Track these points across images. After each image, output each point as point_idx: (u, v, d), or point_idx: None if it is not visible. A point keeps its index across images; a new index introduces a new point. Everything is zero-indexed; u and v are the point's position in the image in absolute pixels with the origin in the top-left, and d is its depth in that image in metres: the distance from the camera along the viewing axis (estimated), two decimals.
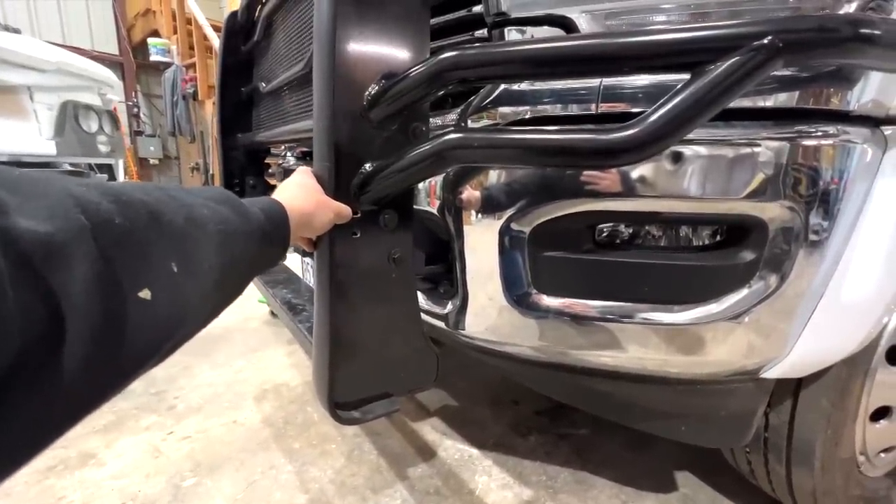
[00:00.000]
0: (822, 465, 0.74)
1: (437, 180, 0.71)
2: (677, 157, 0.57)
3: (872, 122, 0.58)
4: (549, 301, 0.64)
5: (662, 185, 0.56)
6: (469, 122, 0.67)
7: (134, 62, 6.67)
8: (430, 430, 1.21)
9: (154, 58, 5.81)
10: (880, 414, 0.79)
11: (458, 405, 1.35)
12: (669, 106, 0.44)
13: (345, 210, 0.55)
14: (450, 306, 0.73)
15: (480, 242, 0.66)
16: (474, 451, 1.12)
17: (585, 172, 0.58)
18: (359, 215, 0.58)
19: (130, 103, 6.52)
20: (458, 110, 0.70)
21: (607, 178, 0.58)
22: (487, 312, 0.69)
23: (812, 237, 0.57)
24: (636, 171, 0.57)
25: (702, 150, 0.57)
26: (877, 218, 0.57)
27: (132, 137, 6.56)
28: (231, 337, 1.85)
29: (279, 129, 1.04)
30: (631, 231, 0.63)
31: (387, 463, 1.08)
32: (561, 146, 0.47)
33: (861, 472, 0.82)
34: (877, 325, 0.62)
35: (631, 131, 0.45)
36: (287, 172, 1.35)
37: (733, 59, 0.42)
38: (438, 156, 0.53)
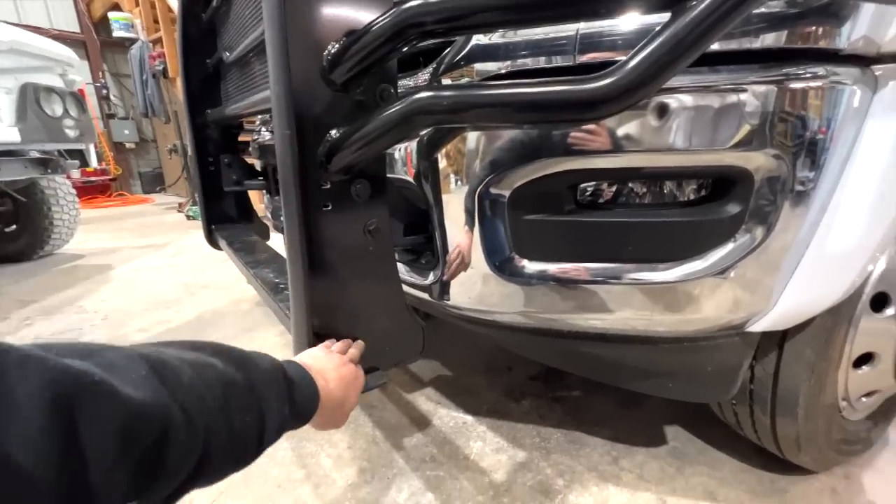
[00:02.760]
0: (805, 413, 0.76)
1: (411, 146, 0.68)
2: (660, 108, 0.54)
3: (863, 61, 0.55)
4: (532, 266, 0.63)
5: (645, 137, 0.54)
6: (442, 81, 0.63)
7: (97, 39, 6.32)
8: (425, 401, 1.22)
9: (117, 34, 5.50)
10: (863, 360, 0.80)
11: (451, 374, 1.36)
12: (649, 50, 0.41)
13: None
14: (432, 277, 0.71)
15: (460, 208, 0.64)
16: (469, 419, 1.14)
17: (564, 129, 0.55)
18: (328, 186, 0.55)
19: (98, 84, 6.23)
20: (430, 69, 0.66)
21: (586, 134, 0.55)
22: (471, 281, 0.67)
23: (799, 186, 0.55)
24: (616, 125, 0.54)
25: (686, 98, 0.54)
26: (864, 163, 0.55)
27: (104, 121, 6.30)
28: (222, 320, 1.84)
29: (246, 101, 0.99)
30: (614, 189, 0.61)
31: (382, 435, 1.09)
32: (537, 101, 0.44)
33: (843, 417, 0.85)
34: (862, 274, 0.62)
35: (610, 80, 0.42)
36: (263, 149, 1.30)
37: None
38: (408, 118, 0.50)
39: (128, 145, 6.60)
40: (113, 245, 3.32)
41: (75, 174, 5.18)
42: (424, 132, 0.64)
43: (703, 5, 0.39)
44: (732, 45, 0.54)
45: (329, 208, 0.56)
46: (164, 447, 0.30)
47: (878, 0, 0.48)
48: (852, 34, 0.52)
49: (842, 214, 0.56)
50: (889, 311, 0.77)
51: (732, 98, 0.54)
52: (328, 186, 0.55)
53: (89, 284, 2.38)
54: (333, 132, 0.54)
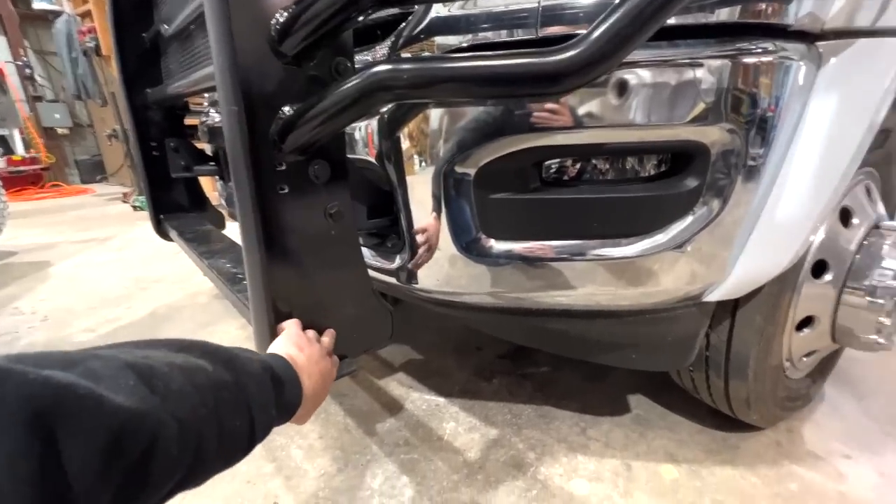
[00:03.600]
0: (754, 375, 0.81)
1: (372, 125, 0.65)
2: (621, 83, 0.54)
3: (809, 38, 0.57)
4: (500, 245, 0.62)
5: (605, 113, 0.54)
6: (402, 55, 0.60)
7: (14, 11, 5.67)
8: (397, 386, 1.22)
9: (38, 5, 4.96)
10: (804, 323, 0.86)
11: (422, 358, 1.36)
12: (610, 22, 0.40)
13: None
14: (399, 261, 0.69)
15: (425, 189, 0.62)
16: (441, 400, 1.14)
17: (527, 105, 0.54)
18: (284, 168, 0.52)
19: (20, 63, 5.62)
20: (389, 43, 0.62)
21: (549, 111, 0.54)
22: (438, 263, 0.66)
23: (751, 160, 0.57)
24: (577, 101, 0.54)
25: (646, 73, 0.54)
26: (809, 138, 0.58)
27: (30, 104, 5.72)
28: (179, 315, 1.74)
29: (190, 79, 0.91)
30: (577, 166, 0.61)
31: (355, 422, 1.08)
32: (498, 75, 0.43)
33: (787, 376, 0.91)
34: (805, 243, 0.66)
35: (572, 53, 0.41)
36: (213, 131, 1.21)
37: None
38: (365, 93, 0.47)
39: (60, 131, 6.03)
40: (50, 240, 3.06)
41: None
42: (385, 110, 0.61)
43: None
44: (689, 19, 0.55)
45: (286, 191, 0.53)
46: (152, 459, 0.29)
47: None
48: (799, 10, 0.54)
49: (789, 187, 0.59)
50: (827, 277, 0.83)
51: (689, 73, 0.54)
52: (283, 168, 0.52)
53: (25, 283, 2.19)
54: (286, 109, 0.51)
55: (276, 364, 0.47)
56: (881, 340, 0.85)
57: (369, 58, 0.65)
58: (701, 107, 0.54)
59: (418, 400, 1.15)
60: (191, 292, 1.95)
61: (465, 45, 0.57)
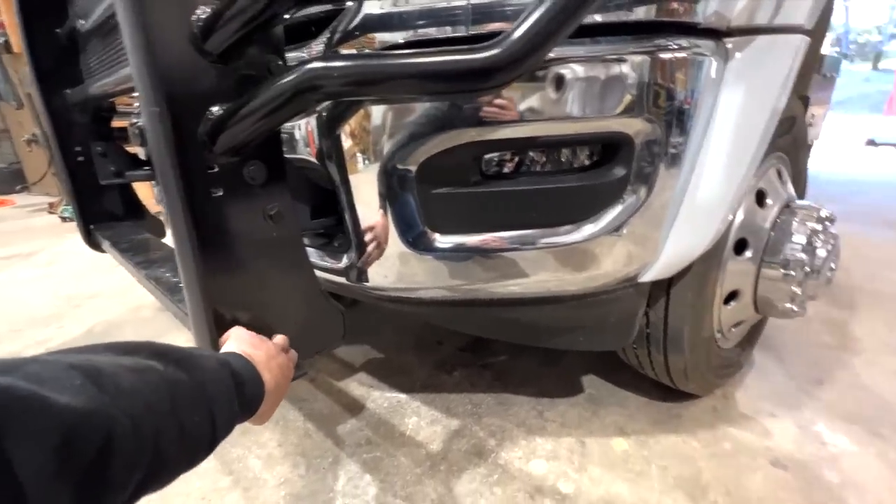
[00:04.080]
0: (689, 347, 0.88)
1: (312, 124, 0.64)
2: (551, 78, 0.57)
3: (717, 34, 0.62)
4: (445, 239, 0.64)
5: (538, 107, 0.56)
6: (337, 52, 0.59)
7: None
8: (357, 386, 1.21)
9: None
10: (731, 297, 0.94)
11: (383, 356, 1.35)
12: (533, 19, 0.42)
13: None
14: (346, 260, 0.69)
15: (367, 186, 0.62)
16: (403, 397, 1.15)
17: (464, 101, 0.55)
18: (216, 170, 0.50)
19: None
20: (324, 40, 0.62)
21: (486, 106, 0.56)
22: (386, 260, 0.66)
23: (672, 149, 0.62)
24: (511, 96, 0.56)
25: (574, 69, 0.57)
26: (721, 127, 0.63)
27: None
28: (119, 332, 1.63)
29: (113, 77, 0.85)
30: (515, 159, 0.63)
31: (315, 426, 1.06)
32: (424, 72, 0.43)
33: (719, 346, 0.99)
34: (724, 223, 0.72)
35: (495, 50, 0.42)
36: (144, 134, 1.14)
37: None
38: (295, 92, 0.47)
39: None
40: None
41: None
42: (322, 108, 0.60)
43: None
44: (611, 17, 0.58)
45: (220, 194, 0.51)
46: (110, 457, 0.28)
47: None
48: (707, 10, 0.59)
49: (706, 171, 0.65)
50: (748, 254, 0.91)
51: (613, 68, 0.58)
52: (216, 170, 0.50)
53: None
54: (215, 109, 0.49)
55: (233, 360, 0.46)
56: (795, 308, 0.95)
57: (306, 55, 0.64)
58: (624, 100, 0.58)
59: (380, 398, 1.15)
60: (132, 306, 1.83)
61: (401, 41, 0.57)
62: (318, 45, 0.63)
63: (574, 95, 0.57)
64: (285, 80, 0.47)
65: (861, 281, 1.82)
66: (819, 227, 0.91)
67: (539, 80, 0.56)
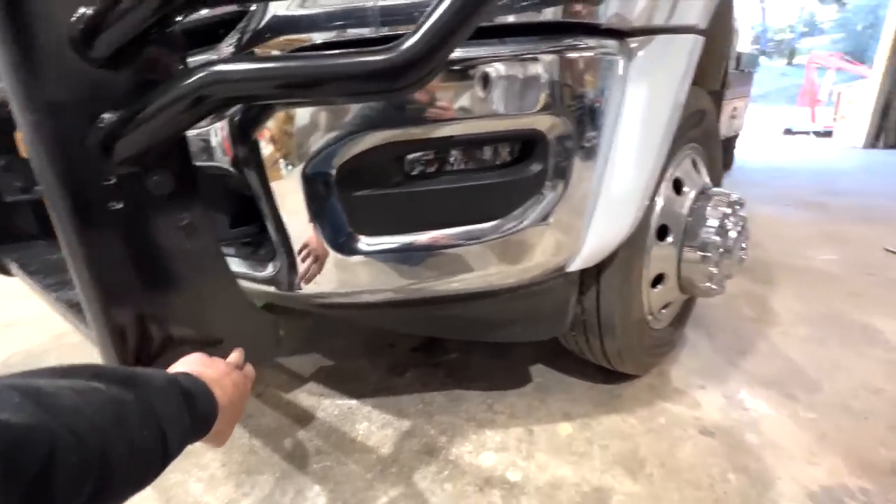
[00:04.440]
0: (622, 331, 0.93)
1: (226, 129, 0.61)
2: (467, 78, 0.58)
3: (620, 34, 0.66)
4: (372, 241, 0.63)
5: (454, 107, 0.57)
6: (243, 55, 0.57)
7: None
8: (307, 396, 1.18)
9: None
10: (658, 280, 1.00)
11: (333, 363, 1.33)
12: (435, 18, 0.43)
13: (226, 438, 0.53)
14: (271, 268, 0.67)
15: (288, 192, 0.61)
16: (354, 403, 1.13)
17: (382, 101, 0.56)
18: (112, 181, 0.47)
19: None
20: (233, 43, 0.60)
21: (402, 105, 0.56)
22: (313, 266, 0.65)
23: (585, 143, 0.65)
24: (428, 96, 0.56)
25: (487, 68, 0.59)
26: (628, 121, 0.67)
27: None
28: (40, 362, 1.49)
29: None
30: (437, 158, 0.64)
31: (261, 442, 1.02)
32: (327, 74, 0.43)
33: (651, 328, 1.05)
34: (641, 211, 0.76)
35: (398, 51, 0.43)
36: None
37: None
38: (196, 95, 0.45)
39: None
40: None
41: None
42: (235, 112, 0.58)
43: None
44: (522, 17, 0.60)
45: (119, 207, 0.48)
46: (54, 471, 0.28)
47: None
48: (608, 12, 0.62)
49: (618, 164, 0.68)
50: (669, 239, 0.97)
51: (526, 68, 0.60)
52: (113, 181, 0.47)
53: None
54: (107, 116, 0.46)
55: (182, 378, 0.45)
56: (715, 287, 1.02)
57: (216, 57, 0.62)
58: (537, 98, 0.60)
59: (330, 406, 1.13)
60: (56, 333, 1.68)
61: (313, 43, 0.56)
62: (228, 48, 0.60)
63: (489, 95, 0.59)
64: (184, 83, 0.45)
65: (778, 257, 1.99)
66: (730, 210, 0.99)
67: (455, 80, 0.58)
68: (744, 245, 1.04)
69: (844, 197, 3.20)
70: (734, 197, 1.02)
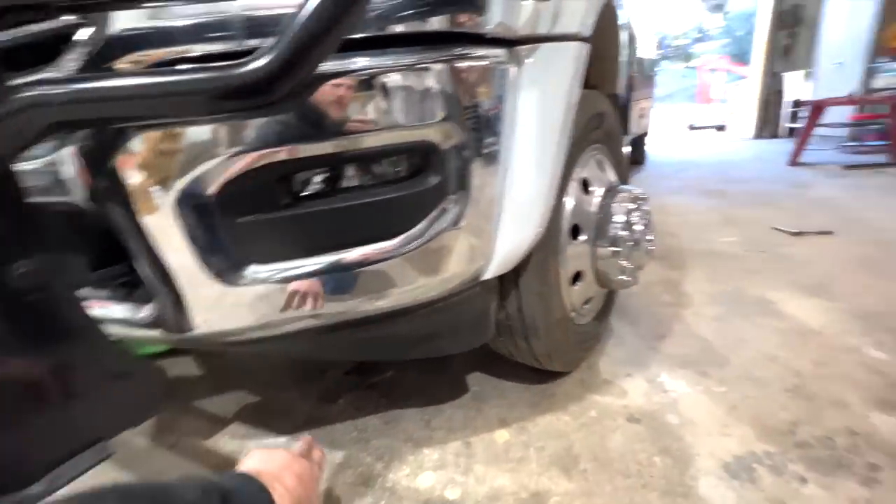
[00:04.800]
0: (546, 331, 0.94)
1: (75, 157, 0.53)
2: (354, 90, 0.55)
3: (509, 43, 0.67)
4: (265, 270, 0.58)
5: (340, 121, 0.54)
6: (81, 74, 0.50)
7: None
8: (229, 440, 1.07)
9: None
10: (576, 278, 1.04)
11: (259, 399, 1.23)
12: (297, 27, 0.40)
13: None
14: (150, 310, 0.59)
15: (159, 224, 0.54)
16: (282, 440, 1.05)
17: (254, 119, 0.51)
18: None
19: None
20: (78, 60, 0.52)
21: (283, 121, 0.52)
22: (201, 302, 0.59)
23: (484, 151, 0.65)
24: (309, 110, 0.53)
25: (376, 80, 0.56)
26: (524, 127, 0.68)
27: None
28: None
29: None
30: (329, 175, 0.60)
31: None
32: (177, 91, 0.38)
33: (575, 323, 1.08)
34: (547, 212, 0.78)
35: (261, 62, 0.39)
36: None
37: None
38: (12, 121, 0.38)
39: None
40: None
41: None
42: (83, 136, 0.51)
43: None
44: (406, 28, 0.59)
45: None
46: None
47: None
48: (491, 22, 0.63)
49: (519, 169, 0.69)
50: (582, 238, 1.01)
51: (415, 78, 0.58)
52: None
53: None
54: None
55: (227, 482, 0.45)
56: (628, 278, 1.08)
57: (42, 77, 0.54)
58: (426, 109, 0.59)
59: (257, 447, 1.04)
60: None
61: (165, 59, 0.51)
62: (70, 65, 0.53)
63: (376, 108, 0.56)
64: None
65: (689, 243, 2.17)
66: (634, 206, 1.05)
67: (339, 93, 0.55)
68: (650, 237, 1.11)
69: (739, 184, 3.59)
70: (637, 192, 1.08)
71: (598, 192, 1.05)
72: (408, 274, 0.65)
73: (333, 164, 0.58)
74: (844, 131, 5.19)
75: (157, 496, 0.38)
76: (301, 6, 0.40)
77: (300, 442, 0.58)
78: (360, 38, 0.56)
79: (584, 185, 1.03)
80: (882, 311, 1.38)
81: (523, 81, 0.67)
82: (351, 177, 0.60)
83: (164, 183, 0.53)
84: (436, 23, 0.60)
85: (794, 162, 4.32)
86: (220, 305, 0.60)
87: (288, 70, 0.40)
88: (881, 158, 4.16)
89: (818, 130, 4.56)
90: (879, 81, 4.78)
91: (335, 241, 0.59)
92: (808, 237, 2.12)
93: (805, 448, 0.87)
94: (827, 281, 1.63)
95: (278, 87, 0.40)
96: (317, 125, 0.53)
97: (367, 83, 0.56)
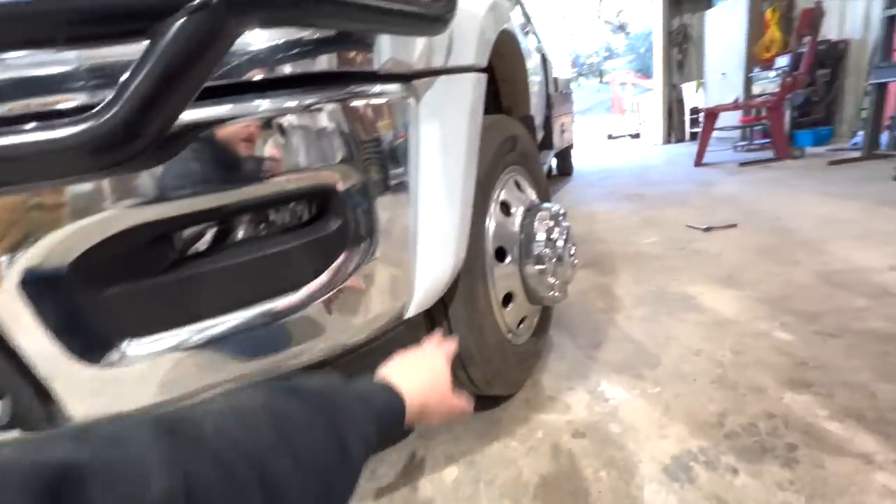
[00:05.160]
0: (482, 358, 0.92)
1: None
2: (235, 137, 0.51)
3: (404, 78, 0.66)
4: (146, 343, 0.51)
5: (216, 171, 0.50)
6: None
7: None
8: None
9: None
10: (508, 299, 1.04)
11: None
12: (142, 75, 0.35)
13: (466, 411, 0.63)
14: (2, 408, 0.50)
15: (8, 305, 0.46)
16: None
17: (110, 178, 0.45)
18: None
19: None
20: None
21: (141, 178, 0.47)
22: (73, 389, 0.50)
23: (388, 188, 0.63)
24: (177, 162, 0.48)
25: (261, 125, 0.53)
26: (428, 160, 0.67)
27: None
28: None
29: None
30: (218, 230, 0.55)
31: None
32: (8, 154, 0.32)
33: (512, 344, 1.08)
34: (464, 241, 0.77)
35: (98, 121, 0.34)
36: None
37: (182, 21, 0.36)
38: None
39: None
40: None
41: None
42: None
43: (172, 33, 0.36)
44: (297, 68, 0.56)
45: None
46: None
47: (373, 31, 0.58)
48: (381, 58, 0.62)
49: (428, 202, 0.68)
50: (508, 259, 1.02)
51: (309, 120, 0.55)
52: None
53: None
54: None
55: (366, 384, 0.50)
56: (557, 293, 1.10)
57: None
58: (322, 151, 0.56)
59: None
60: None
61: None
62: None
63: (264, 154, 0.52)
64: None
65: (616, 246, 2.29)
66: (553, 222, 1.07)
67: (216, 141, 0.50)
68: (572, 251, 1.14)
69: (655, 186, 3.89)
70: (555, 209, 1.11)
71: (519, 212, 1.07)
72: (321, 324, 0.60)
73: (214, 218, 0.53)
74: (736, 133, 5.86)
75: (295, 389, 0.40)
76: (146, 51, 0.36)
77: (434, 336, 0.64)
78: (244, 81, 0.53)
79: (505, 207, 1.04)
80: (784, 295, 1.52)
81: (423, 114, 0.67)
82: (241, 230, 0.55)
83: (5, 257, 0.45)
84: (323, 62, 0.58)
85: (698, 163, 4.79)
86: (103, 388, 0.52)
87: (133, 125, 0.36)
88: (768, 154, 4.73)
89: (715, 133, 5.10)
90: (757, 88, 5.47)
91: (230, 300, 0.53)
92: (716, 231, 2.33)
93: (733, 438, 0.92)
94: (736, 271, 1.78)
95: (124, 143, 0.36)
96: (190, 179, 0.48)
97: (250, 129, 0.52)
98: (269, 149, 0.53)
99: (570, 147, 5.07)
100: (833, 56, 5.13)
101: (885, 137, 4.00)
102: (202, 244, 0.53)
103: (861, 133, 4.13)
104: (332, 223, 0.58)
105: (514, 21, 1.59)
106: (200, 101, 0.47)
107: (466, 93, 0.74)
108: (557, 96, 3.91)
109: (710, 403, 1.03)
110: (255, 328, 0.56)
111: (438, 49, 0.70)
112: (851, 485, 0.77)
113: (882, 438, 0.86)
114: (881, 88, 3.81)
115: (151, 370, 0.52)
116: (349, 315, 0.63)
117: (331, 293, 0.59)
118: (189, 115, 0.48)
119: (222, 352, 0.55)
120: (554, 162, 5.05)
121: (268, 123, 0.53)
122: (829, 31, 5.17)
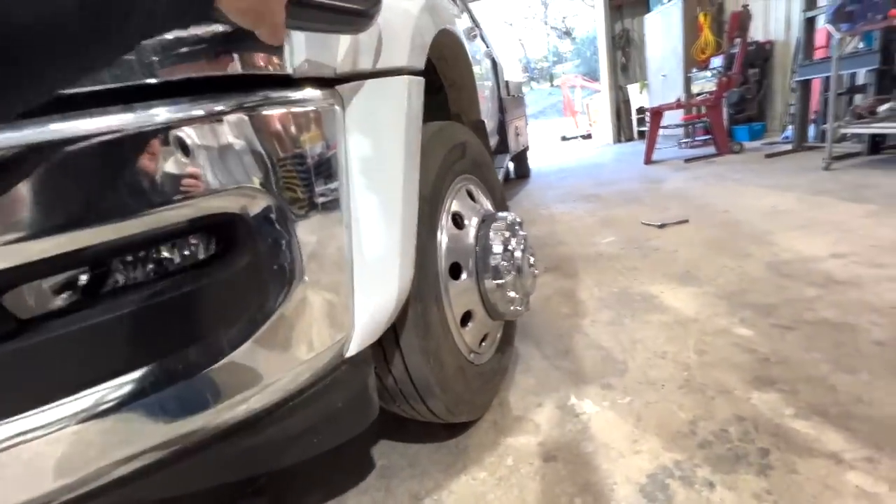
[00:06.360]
0: (442, 387, 0.84)
1: None
2: (99, 158, 0.40)
3: (326, 83, 0.58)
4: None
5: (71, 205, 0.39)
6: None
7: None
8: None
9: None
10: (467, 318, 0.96)
11: None
12: None
13: None
14: None
15: None
16: None
17: None
18: None
19: None
20: None
21: None
22: None
23: (312, 210, 0.53)
24: (39, 194, 0.37)
25: (143, 140, 0.42)
26: (359, 172, 0.59)
27: None
28: None
29: None
30: (98, 273, 0.44)
31: None
32: None
33: (476, 365, 1.01)
34: (410, 260, 0.69)
35: None
36: None
37: None
38: None
39: None
40: None
41: None
42: None
43: None
44: (189, 72, 0.46)
45: None
46: None
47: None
48: (295, 60, 0.52)
49: (363, 222, 0.59)
50: (464, 275, 0.94)
51: (201, 135, 0.45)
52: None
53: None
54: None
55: None
56: (518, 307, 1.03)
57: None
58: (226, 170, 0.46)
59: None
60: None
61: None
62: None
63: (140, 178, 0.42)
64: None
65: (577, 249, 2.28)
66: (510, 233, 1.01)
67: (75, 166, 0.39)
68: (531, 261, 1.09)
69: (609, 186, 3.98)
70: (511, 218, 1.05)
71: (473, 224, 1.00)
72: (235, 381, 0.50)
73: (74, 267, 0.41)
74: (680, 130, 6.15)
75: None
76: None
77: None
78: (120, 87, 0.42)
79: (458, 219, 0.97)
80: (740, 289, 1.54)
81: (351, 123, 0.58)
82: (120, 276, 0.44)
83: None
84: (221, 64, 0.48)
85: (647, 161, 4.96)
86: None
87: None
88: (711, 150, 4.97)
89: (661, 132, 5.31)
90: (696, 87, 5.77)
91: (97, 371, 0.42)
92: (670, 227, 2.37)
93: (707, 448, 0.88)
94: (692, 267, 1.80)
95: None
96: (34, 216, 0.37)
97: (125, 147, 0.42)
98: (151, 171, 0.42)
99: (525, 150, 5.12)
100: (761, 56, 5.49)
101: (812, 130, 4.30)
102: (58, 300, 0.41)
103: (791, 127, 4.41)
104: (240, 258, 0.48)
105: (461, 25, 1.54)
106: (54, 114, 0.37)
107: (401, 98, 0.66)
108: (510, 100, 3.93)
109: (681, 410, 1.00)
110: (134, 402, 0.44)
111: (365, 49, 0.62)
112: (826, 489, 0.75)
113: (849, 435, 0.85)
114: (806, 85, 4.09)
115: (22, 458, 0.40)
116: (274, 364, 0.53)
117: (246, 342, 0.49)
118: (35, 133, 0.38)
119: (86, 441, 0.43)
120: (511, 165, 5.08)
121: (150, 139, 0.43)
122: (756, 32, 5.53)
